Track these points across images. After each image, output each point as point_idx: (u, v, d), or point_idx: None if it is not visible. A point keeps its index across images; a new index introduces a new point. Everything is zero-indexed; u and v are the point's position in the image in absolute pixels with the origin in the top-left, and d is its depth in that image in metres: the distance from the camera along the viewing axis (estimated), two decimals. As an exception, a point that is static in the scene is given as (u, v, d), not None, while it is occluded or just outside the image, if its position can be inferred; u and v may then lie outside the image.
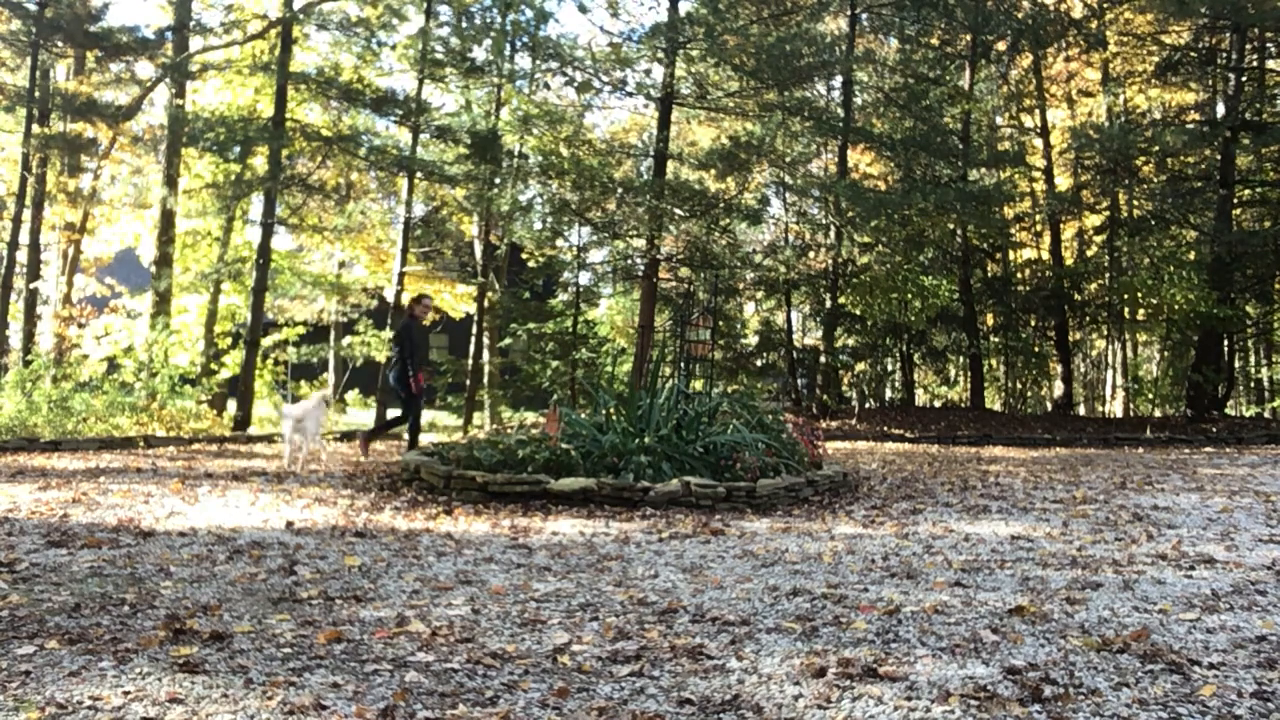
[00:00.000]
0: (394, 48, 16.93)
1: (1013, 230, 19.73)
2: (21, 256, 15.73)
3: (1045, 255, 21.38)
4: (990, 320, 20.32)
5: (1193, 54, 17.86)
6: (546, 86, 18.98)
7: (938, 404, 20.95)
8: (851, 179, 18.39)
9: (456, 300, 20.97)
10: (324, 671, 2.92)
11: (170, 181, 15.56)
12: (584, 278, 19.51)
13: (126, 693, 2.67)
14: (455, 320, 22.11)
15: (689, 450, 7.40)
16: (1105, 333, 22.37)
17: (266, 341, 17.39)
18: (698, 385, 10.39)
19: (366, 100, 15.92)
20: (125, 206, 19.06)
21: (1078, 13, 18.95)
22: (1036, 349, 19.43)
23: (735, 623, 3.56)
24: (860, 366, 19.84)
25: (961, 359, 20.44)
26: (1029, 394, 21.65)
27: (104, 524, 5.44)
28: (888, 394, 21.89)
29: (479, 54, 17.51)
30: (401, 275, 17.72)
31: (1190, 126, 17.41)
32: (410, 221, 18.35)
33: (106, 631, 3.25)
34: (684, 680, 2.90)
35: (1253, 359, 23.09)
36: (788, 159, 17.64)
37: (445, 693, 2.76)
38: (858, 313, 18.04)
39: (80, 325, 17.09)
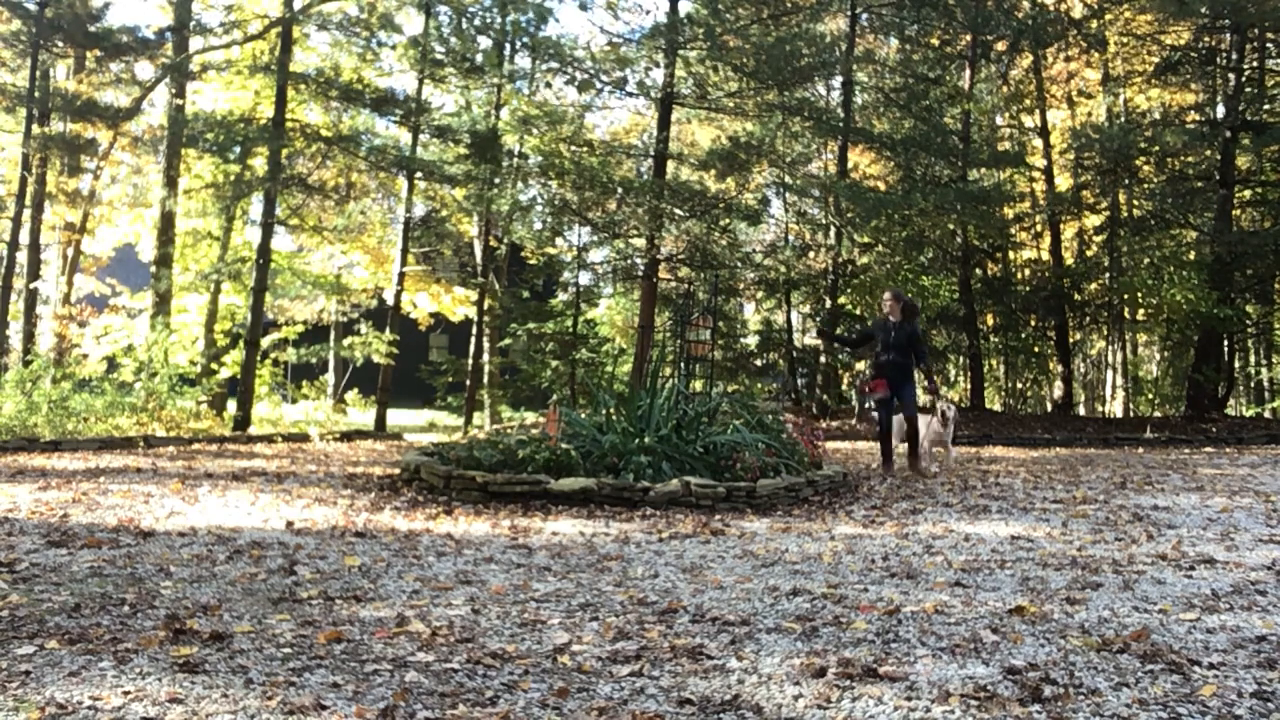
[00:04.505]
0: (394, 48, 16.94)
1: (1013, 230, 19.72)
2: (21, 256, 15.74)
3: (1045, 255, 21.38)
4: (990, 320, 20.32)
5: (1193, 54, 17.85)
6: (547, 85, 18.99)
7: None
8: (851, 179, 18.39)
9: (455, 303, 20.96)
10: (324, 671, 2.92)
11: (170, 182, 15.57)
12: (584, 278, 19.53)
13: (126, 693, 2.67)
14: (455, 321, 22.14)
15: (689, 450, 7.40)
16: (1105, 333, 22.38)
17: (266, 341, 17.39)
18: (698, 385, 10.38)
19: (366, 100, 15.93)
20: (125, 207, 19.07)
21: (1078, 13, 18.95)
22: (1036, 349, 19.43)
23: (735, 623, 3.56)
24: (860, 366, 19.85)
25: (961, 359, 20.46)
26: (1029, 394, 21.66)
27: (104, 524, 5.44)
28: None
29: (478, 54, 17.52)
30: (401, 275, 17.73)
31: (1190, 126, 17.41)
32: (410, 222, 18.36)
33: (106, 631, 3.25)
34: (684, 680, 2.90)
35: (1253, 359, 23.09)
36: (788, 159, 17.65)
37: (445, 693, 2.76)
38: (858, 313, 18.05)
39: (80, 325, 17.10)
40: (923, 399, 10.52)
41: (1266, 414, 20.51)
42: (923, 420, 9.34)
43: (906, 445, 9.04)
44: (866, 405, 10.20)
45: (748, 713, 2.64)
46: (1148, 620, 3.60)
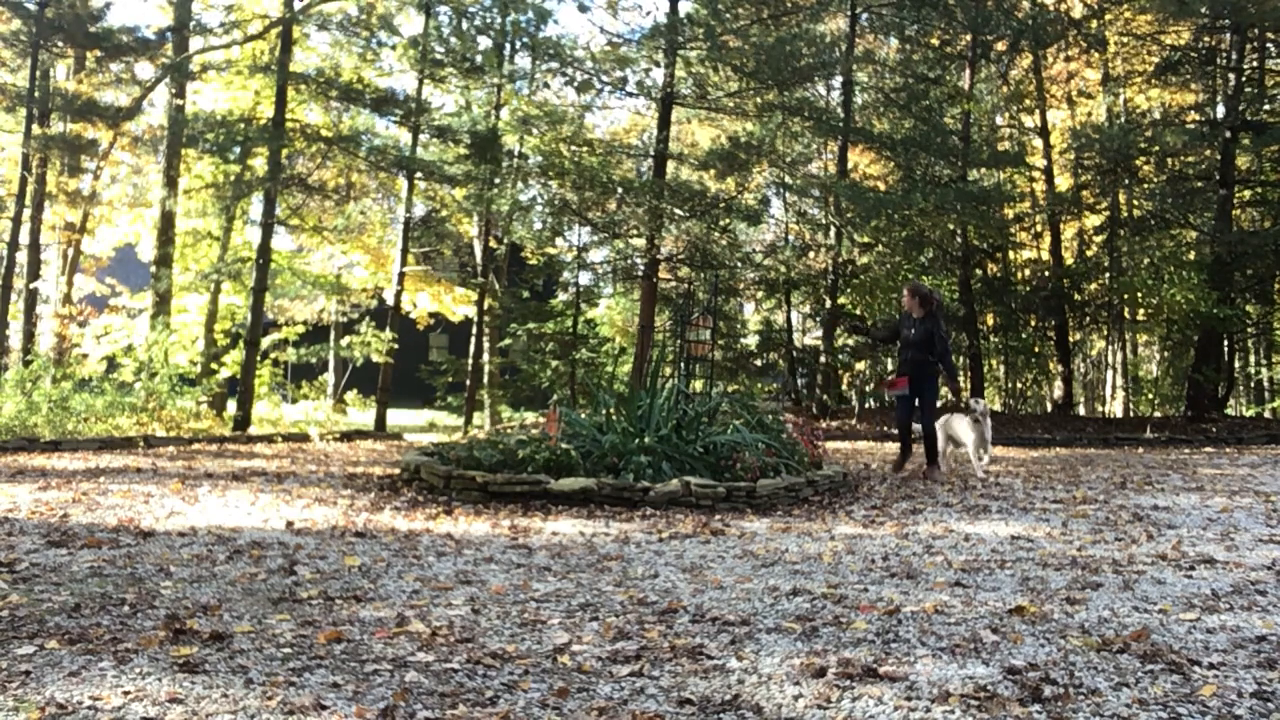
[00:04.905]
0: (394, 48, 16.96)
1: (1013, 230, 19.72)
2: (21, 257, 15.75)
3: (1045, 255, 21.38)
4: (990, 320, 20.32)
5: (1193, 54, 17.85)
6: (547, 86, 19.00)
7: (938, 404, 20.92)
8: (851, 179, 18.38)
9: (455, 303, 20.98)
10: (324, 671, 2.92)
11: (170, 182, 15.57)
12: (584, 278, 19.53)
13: (126, 693, 2.67)
14: (455, 321, 22.15)
15: (689, 450, 7.40)
16: (1105, 333, 22.37)
17: (266, 341, 17.39)
18: (698, 385, 10.39)
19: (366, 100, 15.93)
20: (125, 207, 19.08)
21: (1078, 13, 18.95)
22: (1036, 349, 19.42)
23: (735, 623, 3.56)
24: (860, 366, 19.85)
25: (961, 359, 20.46)
26: (1029, 394, 21.66)
27: (104, 524, 5.44)
28: (887, 394, 21.88)
29: (478, 54, 17.54)
30: (401, 275, 17.73)
31: (1190, 126, 17.40)
32: (410, 222, 18.36)
33: (106, 631, 3.25)
34: (684, 680, 2.90)
35: (1253, 359, 23.09)
36: (788, 159, 17.64)
37: (445, 693, 2.76)
38: (858, 313, 18.06)
39: (80, 325, 17.10)
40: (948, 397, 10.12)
41: (1266, 414, 20.51)
42: (962, 422, 9.08)
43: (924, 448, 8.73)
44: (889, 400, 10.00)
45: (748, 713, 2.64)
46: (1148, 620, 3.59)
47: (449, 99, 19.81)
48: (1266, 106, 17.52)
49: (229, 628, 3.34)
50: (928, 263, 19.19)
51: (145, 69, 17.40)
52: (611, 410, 8.09)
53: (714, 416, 8.44)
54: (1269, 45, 17.86)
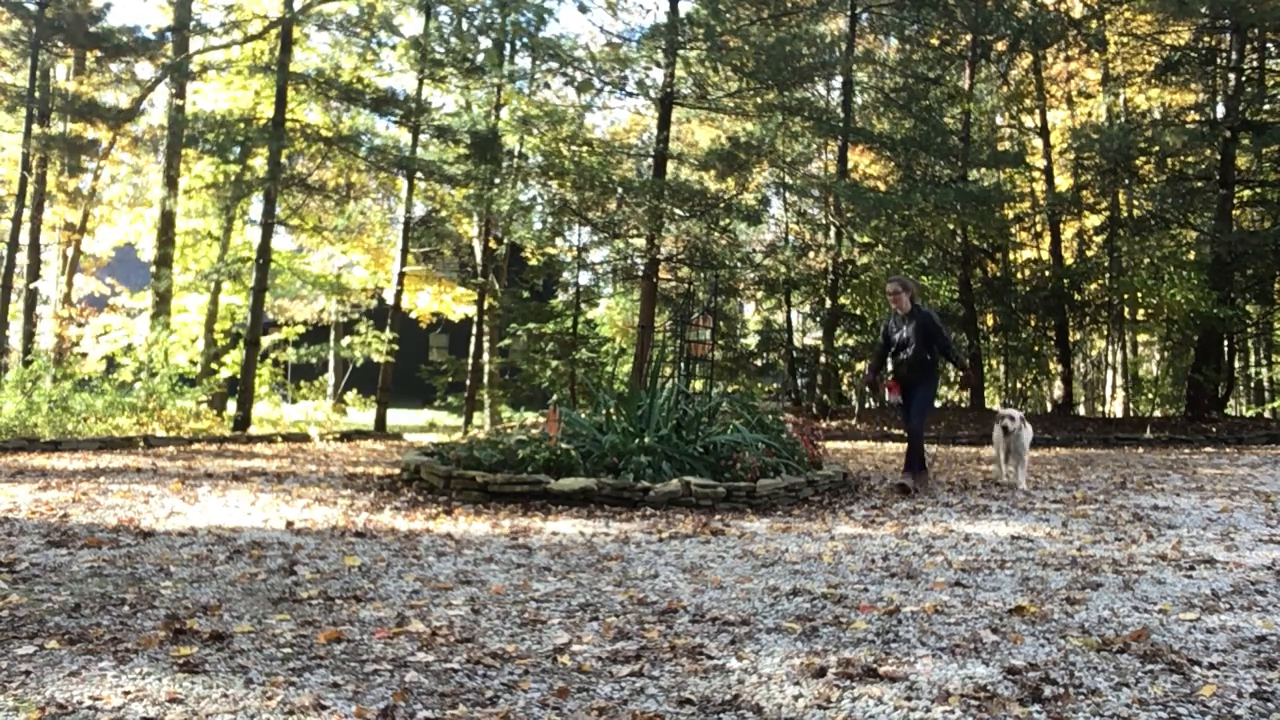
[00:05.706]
0: (394, 48, 16.96)
1: (1013, 230, 19.72)
2: (21, 257, 15.75)
3: (1045, 255, 21.38)
4: (990, 320, 20.32)
5: (1193, 54, 17.85)
6: (547, 86, 19.00)
7: (938, 404, 20.93)
8: (851, 179, 18.39)
9: (455, 302, 21.00)
10: (324, 671, 2.92)
11: (170, 182, 15.58)
12: (584, 278, 19.54)
13: (126, 693, 2.67)
14: (455, 321, 22.15)
15: (689, 450, 7.40)
16: (1105, 333, 22.37)
17: (266, 341, 17.39)
18: (698, 385, 10.39)
19: (366, 100, 15.93)
20: (125, 207, 19.09)
21: (1078, 13, 18.94)
22: (1036, 349, 19.43)
23: (735, 623, 3.56)
24: (860, 366, 19.85)
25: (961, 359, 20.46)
26: (1029, 394, 21.66)
27: (104, 524, 5.44)
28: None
29: (479, 54, 17.54)
30: (401, 275, 17.72)
31: (1190, 126, 17.40)
32: (410, 222, 18.36)
33: (106, 631, 3.25)
34: (684, 680, 2.90)
35: (1253, 359, 23.09)
36: (788, 159, 17.64)
37: (445, 693, 2.76)
38: (858, 313, 18.07)
39: (80, 325, 17.11)
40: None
41: (1266, 414, 20.52)
42: (996, 429, 8.48)
43: (907, 451, 7.99)
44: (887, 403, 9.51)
45: (748, 713, 2.64)
46: (1148, 620, 3.59)
47: (449, 99, 19.81)
48: (1266, 106, 17.50)
49: (229, 628, 3.34)
50: (928, 263, 19.20)
51: (145, 69, 17.43)
52: (611, 410, 8.09)
53: (714, 416, 8.44)
54: (1269, 45, 17.85)
